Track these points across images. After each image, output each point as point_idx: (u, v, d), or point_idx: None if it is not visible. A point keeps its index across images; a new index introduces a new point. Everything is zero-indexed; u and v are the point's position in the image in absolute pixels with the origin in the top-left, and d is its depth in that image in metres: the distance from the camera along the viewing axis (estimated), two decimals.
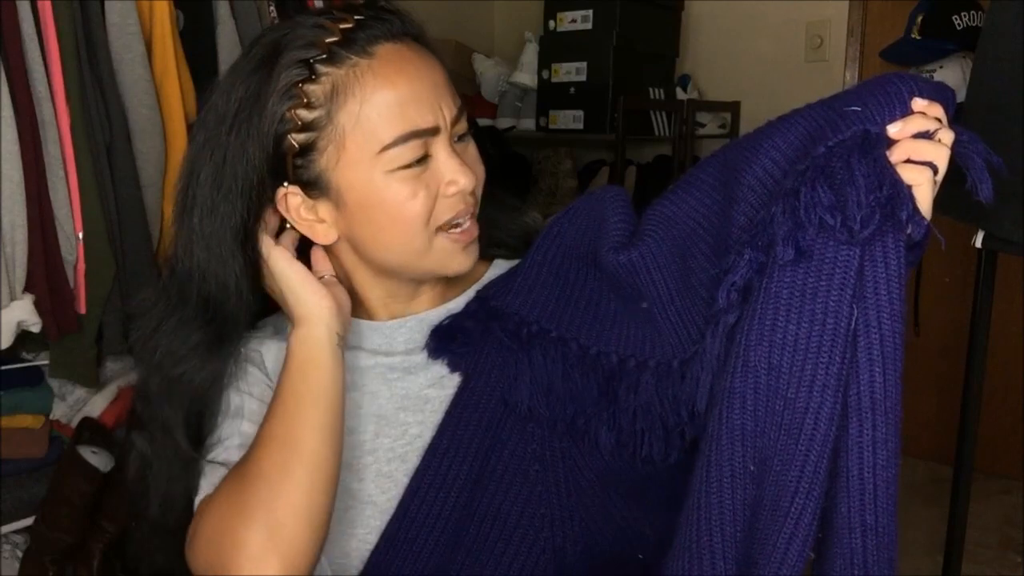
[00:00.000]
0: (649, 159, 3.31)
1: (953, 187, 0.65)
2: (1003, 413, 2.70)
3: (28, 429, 1.78)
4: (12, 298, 1.49)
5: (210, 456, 0.79)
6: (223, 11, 1.76)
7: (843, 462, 0.61)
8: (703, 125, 3.18)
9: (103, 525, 1.70)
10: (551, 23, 3.03)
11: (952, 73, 2.45)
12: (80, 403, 1.88)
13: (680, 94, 3.20)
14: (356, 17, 0.74)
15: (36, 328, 1.54)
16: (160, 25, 1.64)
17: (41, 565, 1.67)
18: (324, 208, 0.77)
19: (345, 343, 0.78)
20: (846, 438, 0.61)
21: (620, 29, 2.91)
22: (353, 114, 0.72)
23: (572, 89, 2.97)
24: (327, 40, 0.73)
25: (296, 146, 0.74)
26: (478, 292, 0.84)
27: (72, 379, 1.73)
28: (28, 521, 1.72)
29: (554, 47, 3.00)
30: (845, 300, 0.60)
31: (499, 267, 0.89)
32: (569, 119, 2.97)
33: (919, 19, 2.49)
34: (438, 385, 0.83)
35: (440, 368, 0.83)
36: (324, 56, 0.73)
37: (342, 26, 0.73)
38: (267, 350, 0.85)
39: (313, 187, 0.76)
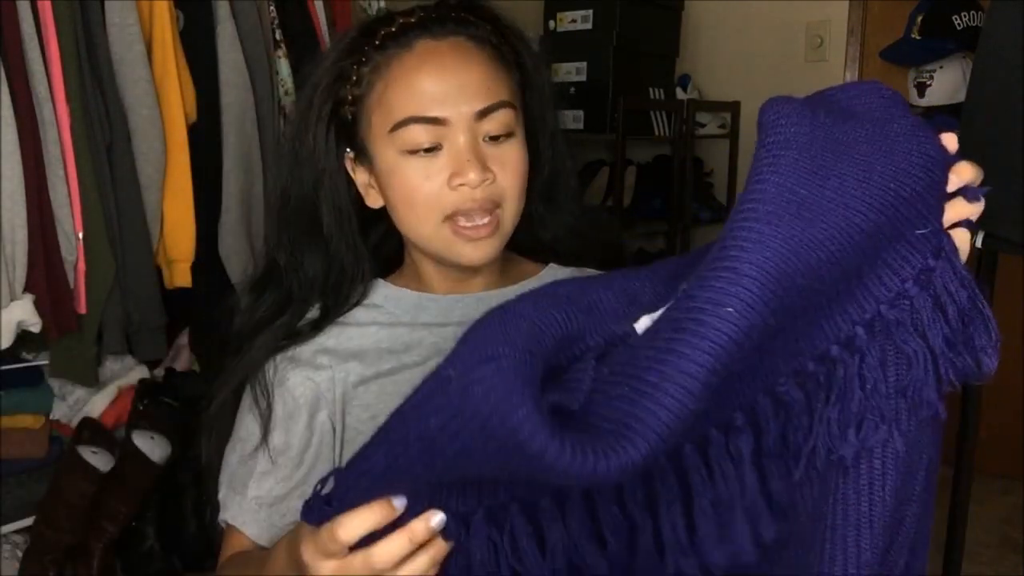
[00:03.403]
0: (649, 159, 3.31)
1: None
2: (1003, 413, 2.70)
3: (28, 429, 1.78)
4: (12, 298, 1.49)
5: (239, 484, 0.85)
6: (223, 11, 1.76)
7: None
8: (703, 125, 3.18)
9: (103, 525, 1.70)
10: (551, 23, 3.03)
11: (952, 73, 2.45)
12: (80, 403, 1.88)
13: (680, 94, 3.20)
14: (420, 14, 0.83)
15: (36, 328, 1.54)
16: (160, 25, 1.64)
17: (41, 565, 1.67)
18: (372, 176, 0.86)
19: None
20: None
21: (620, 29, 2.91)
22: (379, 94, 0.82)
23: (572, 89, 2.97)
24: (383, 31, 0.83)
25: (349, 116, 0.84)
26: None
27: (72, 379, 1.73)
28: (28, 521, 1.72)
29: (554, 47, 3.00)
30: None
31: (551, 270, 0.93)
32: (569, 119, 2.97)
33: (919, 19, 2.49)
34: None
35: None
36: (377, 43, 0.82)
37: (402, 20, 0.83)
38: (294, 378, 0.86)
39: (362, 154, 0.86)
